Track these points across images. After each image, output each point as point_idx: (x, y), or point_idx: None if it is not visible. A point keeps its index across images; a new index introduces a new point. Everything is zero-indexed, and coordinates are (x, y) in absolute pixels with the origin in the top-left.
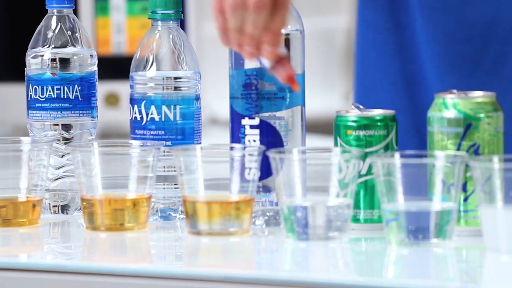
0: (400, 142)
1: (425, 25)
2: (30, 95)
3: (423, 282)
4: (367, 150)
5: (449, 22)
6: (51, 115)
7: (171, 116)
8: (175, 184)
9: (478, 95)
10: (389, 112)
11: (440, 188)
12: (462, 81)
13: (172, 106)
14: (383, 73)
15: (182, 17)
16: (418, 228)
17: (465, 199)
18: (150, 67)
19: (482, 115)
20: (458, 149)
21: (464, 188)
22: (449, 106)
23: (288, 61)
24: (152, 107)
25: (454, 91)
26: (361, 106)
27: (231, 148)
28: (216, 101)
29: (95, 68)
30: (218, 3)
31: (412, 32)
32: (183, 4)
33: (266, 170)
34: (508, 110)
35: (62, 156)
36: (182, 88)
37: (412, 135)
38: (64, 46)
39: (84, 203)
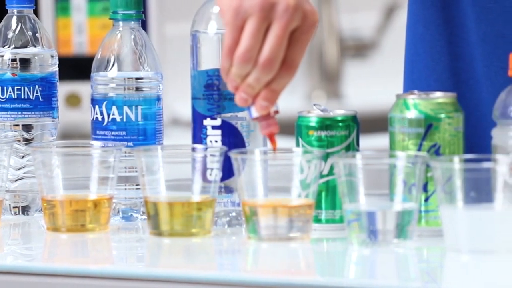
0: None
1: (477, 24)
2: None
3: (384, 282)
4: (329, 150)
5: (502, 22)
6: (12, 116)
7: (132, 117)
8: (136, 185)
9: (439, 96)
10: (351, 112)
11: (401, 189)
12: None
13: (133, 107)
14: (430, 69)
15: (144, 17)
16: (379, 229)
17: (426, 199)
18: (112, 67)
19: (442, 115)
20: (419, 149)
21: (425, 189)
22: (410, 106)
23: (274, 119)
24: (114, 108)
25: (415, 91)
26: (322, 107)
27: (193, 149)
28: (178, 102)
29: (56, 68)
30: (228, 48)
31: (463, 29)
32: (145, 5)
33: (228, 170)
34: None
35: (23, 157)
36: (143, 89)
37: None
38: (24, 46)
39: (45, 204)
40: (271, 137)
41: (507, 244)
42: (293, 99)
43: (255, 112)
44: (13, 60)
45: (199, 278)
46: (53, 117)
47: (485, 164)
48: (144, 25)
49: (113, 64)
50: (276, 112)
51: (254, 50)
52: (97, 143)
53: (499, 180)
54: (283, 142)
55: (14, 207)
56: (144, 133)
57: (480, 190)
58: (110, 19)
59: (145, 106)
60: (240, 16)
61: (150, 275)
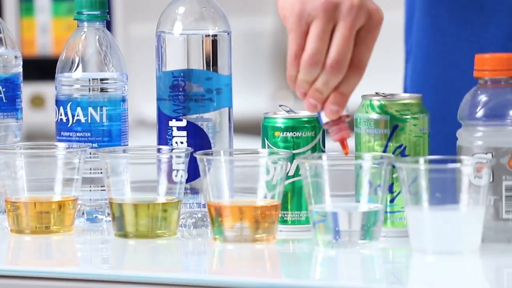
0: (433, 149)
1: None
2: None
3: (350, 283)
4: (295, 151)
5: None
6: None
7: (97, 118)
8: (101, 186)
9: (404, 97)
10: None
11: (367, 189)
12: None
13: (98, 108)
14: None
15: (109, 18)
16: (345, 229)
17: (392, 200)
18: (76, 68)
19: (408, 116)
20: (385, 150)
21: (391, 189)
22: (375, 107)
23: (345, 123)
24: (78, 109)
25: (381, 92)
26: (288, 108)
27: (158, 150)
28: (143, 103)
29: (20, 69)
30: (294, 54)
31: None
32: (110, 5)
33: (193, 172)
34: None
35: None
36: (108, 90)
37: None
38: None
39: (9, 206)
40: (343, 143)
41: (472, 245)
42: (259, 100)
43: (325, 118)
44: None
45: (165, 280)
46: (17, 118)
47: (450, 165)
48: (109, 25)
49: (77, 65)
50: (347, 116)
51: (321, 53)
52: (61, 145)
53: (464, 181)
54: (249, 143)
55: None
56: (109, 134)
57: (445, 191)
58: (75, 19)
59: (110, 107)
60: (304, 20)
61: (115, 276)
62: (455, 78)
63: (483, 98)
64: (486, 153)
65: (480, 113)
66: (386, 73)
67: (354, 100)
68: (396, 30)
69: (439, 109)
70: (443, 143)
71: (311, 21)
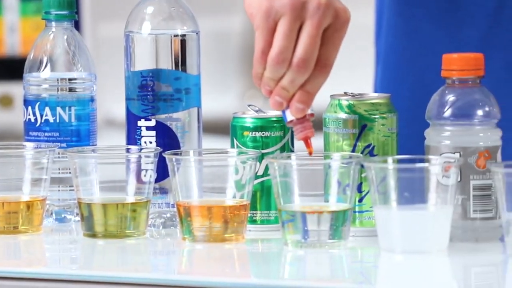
0: (408, 150)
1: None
2: None
3: (319, 283)
4: (264, 151)
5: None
6: None
7: (66, 118)
8: (70, 186)
9: (373, 97)
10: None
11: (336, 189)
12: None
13: (66, 108)
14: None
15: (77, 18)
16: (314, 229)
17: (360, 200)
18: (44, 68)
19: (376, 116)
20: (354, 150)
21: (359, 189)
22: (344, 107)
23: (309, 122)
24: (47, 109)
25: (349, 92)
26: (257, 108)
27: (127, 150)
28: (112, 103)
29: None
30: (261, 51)
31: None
32: (78, 5)
33: (162, 171)
34: None
35: None
36: (77, 90)
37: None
38: None
39: None
40: (307, 141)
41: (440, 244)
42: (228, 99)
43: (290, 116)
44: None
45: (133, 280)
46: None
47: (419, 165)
48: (77, 25)
49: (46, 65)
50: (311, 115)
51: (288, 51)
52: (30, 145)
53: (432, 181)
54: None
55: None
56: (77, 134)
57: (413, 191)
58: (43, 19)
59: (78, 107)
60: (271, 17)
61: (84, 276)
62: (431, 79)
63: (450, 97)
64: (454, 153)
65: (447, 112)
66: (355, 72)
67: (323, 100)
68: (366, 30)
69: (413, 110)
70: (420, 144)
71: (278, 18)
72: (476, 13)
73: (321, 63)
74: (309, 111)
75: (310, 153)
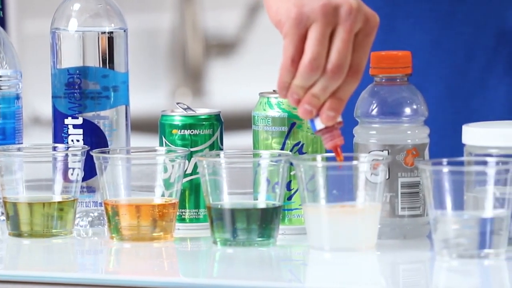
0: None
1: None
2: None
3: (248, 282)
4: (193, 149)
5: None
6: None
7: None
8: None
9: None
10: (214, 111)
11: (265, 187)
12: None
13: None
14: None
15: (2, 14)
16: (243, 227)
17: (289, 198)
18: None
19: None
20: (283, 148)
21: (288, 187)
22: (273, 105)
23: (338, 130)
24: None
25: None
26: (186, 106)
27: (54, 148)
28: (39, 100)
29: None
30: (291, 59)
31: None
32: (3, 2)
33: (90, 170)
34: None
35: None
36: (2, 87)
37: None
38: None
39: None
40: (336, 150)
41: (368, 241)
42: (157, 97)
43: (320, 124)
44: None
45: (60, 280)
46: None
47: (347, 162)
48: (2, 22)
49: None
50: (340, 123)
51: (321, 57)
52: None
53: (361, 178)
54: (146, 141)
55: None
56: (3, 133)
57: (342, 188)
58: None
59: (3, 105)
60: (302, 24)
61: (10, 276)
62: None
63: (378, 95)
64: (382, 150)
65: (375, 110)
66: None
67: (253, 97)
68: None
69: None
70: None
71: (310, 24)
72: (426, 18)
73: (353, 69)
74: (338, 119)
75: (341, 161)
